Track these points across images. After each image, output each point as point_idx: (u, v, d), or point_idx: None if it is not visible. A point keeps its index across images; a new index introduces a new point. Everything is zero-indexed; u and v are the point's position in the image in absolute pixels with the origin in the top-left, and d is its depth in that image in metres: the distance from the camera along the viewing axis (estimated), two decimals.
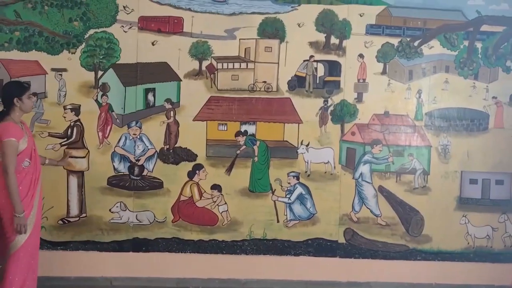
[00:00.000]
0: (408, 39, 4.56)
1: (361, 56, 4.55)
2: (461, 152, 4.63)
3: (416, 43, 4.58)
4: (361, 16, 4.52)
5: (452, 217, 4.65)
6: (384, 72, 4.58)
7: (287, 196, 4.58)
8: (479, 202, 4.67)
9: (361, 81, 4.58)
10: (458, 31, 4.59)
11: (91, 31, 4.35)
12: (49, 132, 4.32)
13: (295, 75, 4.54)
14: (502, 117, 4.64)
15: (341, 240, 4.61)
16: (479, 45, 4.61)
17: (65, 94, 4.35)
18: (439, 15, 4.57)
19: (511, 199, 4.68)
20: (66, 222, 4.43)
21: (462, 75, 4.62)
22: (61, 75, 4.35)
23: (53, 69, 4.34)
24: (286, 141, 4.57)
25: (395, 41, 4.56)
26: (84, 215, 4.45)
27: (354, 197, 4.61)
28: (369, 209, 4.62)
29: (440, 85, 4.61)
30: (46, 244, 4.35)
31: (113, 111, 4.43)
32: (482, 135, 4.64)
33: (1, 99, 3.53)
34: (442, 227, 4.64)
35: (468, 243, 4.67)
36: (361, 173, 4.60)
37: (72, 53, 4.34)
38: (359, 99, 4.58)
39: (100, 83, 4.39)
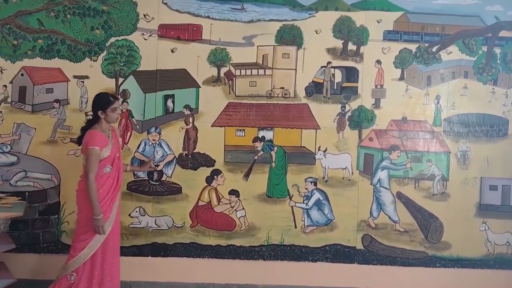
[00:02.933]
0: (426, 45, 4.56)
1: (378, 62, 4.55)
2: (480, 158, 4.59)
3: (434, 49, 4.57)
4: (378, 22, 4.53)
5: (472, 223, 4.61)
6: (402, 78, 4.58)
7: (305, 201, 4.58)
8: (499, 209, 4.62)
9: (379, 87, 4.58)
10: (477, 36, 4.57)
11: (112, 39, 4.42)
12: (71, 138, 4.37)
13: (313, 81, 4.56)
14: None
15: (359, 246, 4.60)
16: (498, 50, 4.59)
17: (87, 100, 4.41)
18: (457, 21, 4.56)
19: None
20: None
21: (481, 81, 4.60)
22: (83, 82, 4.43)
23: (75, 76, 4.42)
24: (304, 146, 4.58)
25: (413, 47, 4.56)
26: None
27: (372, 203, 4.59)
28: (387, 215, 4.60)
29: (459, 91, 4.59)
30: (66, 248, 4.39)
31: (133, 117, 4.49)
32: (502, 141, 4.60)
33: (91, 108, 3.75)
34: (462, 233, 4.60)
35: (488, 250, 4.62)
36: (379, 179, 4.59)
37: (93, 61, 4.42)
38: (377, 105, 4.58)
39: (120, 90, 4.46)
